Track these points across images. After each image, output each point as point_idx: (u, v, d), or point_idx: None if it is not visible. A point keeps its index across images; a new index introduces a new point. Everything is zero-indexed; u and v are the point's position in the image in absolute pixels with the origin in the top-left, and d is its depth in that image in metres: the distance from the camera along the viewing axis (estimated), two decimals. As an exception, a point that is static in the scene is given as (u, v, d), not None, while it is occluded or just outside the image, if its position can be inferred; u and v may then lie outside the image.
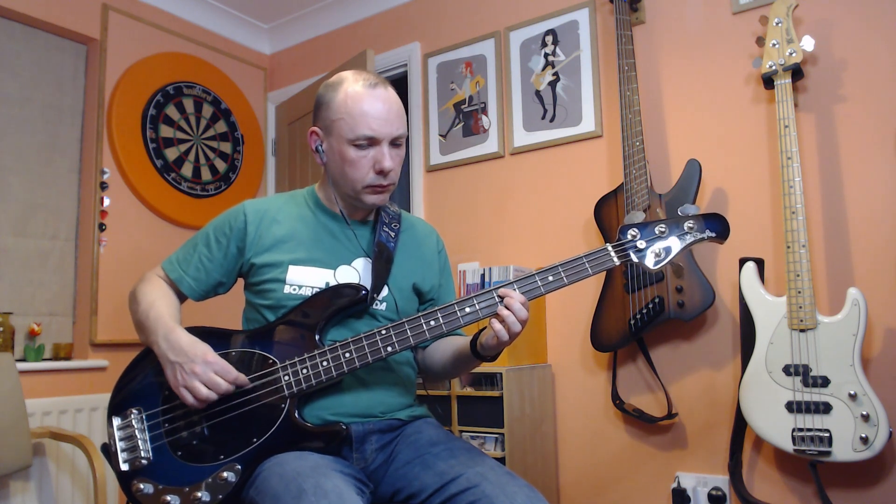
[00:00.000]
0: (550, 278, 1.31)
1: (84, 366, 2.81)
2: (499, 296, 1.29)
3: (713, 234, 1.31)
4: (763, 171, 2.32)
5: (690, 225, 1.32)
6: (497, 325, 1.28)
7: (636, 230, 1.32)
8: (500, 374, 2.34)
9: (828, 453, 1.89)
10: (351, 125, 1.37)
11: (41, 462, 2.51)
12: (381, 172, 1.39)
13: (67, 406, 2.63)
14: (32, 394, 2.56)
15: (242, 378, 1.31)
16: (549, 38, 2.81)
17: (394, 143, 1.41)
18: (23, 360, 2.68)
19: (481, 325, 1.42)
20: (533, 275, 1.31)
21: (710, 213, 1.34)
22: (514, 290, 1.30)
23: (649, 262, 1.31)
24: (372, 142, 1.38)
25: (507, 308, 1.27)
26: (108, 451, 1.35)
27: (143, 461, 1.32)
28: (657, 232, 1.32)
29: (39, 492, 2.49)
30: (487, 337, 1.34)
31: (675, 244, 1.31)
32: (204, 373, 1.29)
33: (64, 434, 2.42)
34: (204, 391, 1.28)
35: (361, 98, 1.37)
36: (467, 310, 1.31)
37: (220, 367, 1.30)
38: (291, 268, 1.41)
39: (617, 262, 1.31)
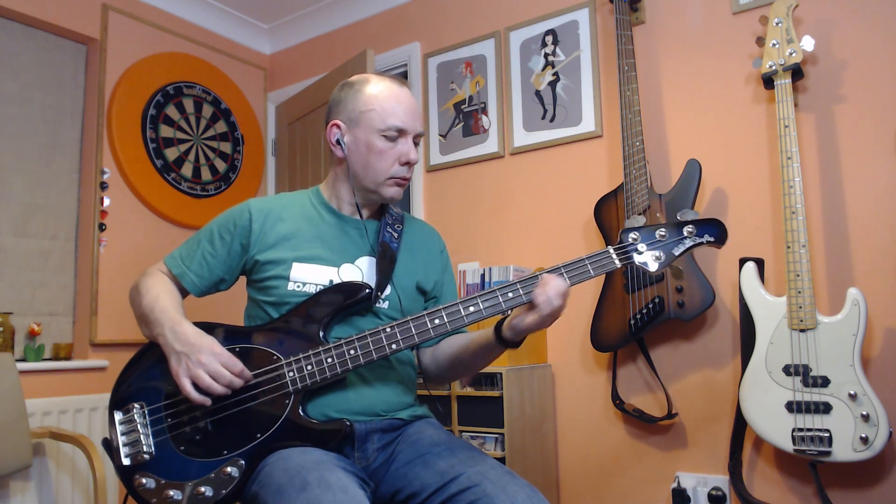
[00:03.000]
0: None
1: (84, 366, 2.81)
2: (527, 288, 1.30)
3: (711, 239, 1.34)
4: (763, 171, 2.32)
5: (690, 230, 1.34)
6: (541, 297, 1.27)
7: (637, 233, 1.35)
8: (500, 374, 2.34)
9: (828, 453, 1.90)
10: (382, 116, 1.42)
11: (41, 462, 2.51)
12: (408, 164, 1.45)
13: (67, 406, 2.63)
14: (32, 394, 2.56)
15: (247, 371, 1.32)
16: (549, 38, 2.81)
17: (415, 139, 1.47)
18: (23, 360, 2.67)
19: (482, 325, 1.42)
20: (535, 276, 1.31)
21: (708, 218, 1.37)
22: (518, 289, 1.30)
23: (650, 265, 1.33)
24: (400, 133, 1.43)
25: (545, 284, 1.27)
26: (110, 446, 1.35)
27: (145, 456, 1.31)
28: (657, 236, 1.34)
29: (39, 492, 2.49)
30: (520, 317, 1.31)
31: (674, 248, 1.34)
32: (210, 363, 1.29)
33: (64, 434, 2.42)
34: (209, 381, 1.28)
35: (392, 92, 1.45)
36: (471, 309, 1.32)
37: (225, 359, 1.30)
38: (295, 265, 1.42)
39: (619, 264, 1.33)
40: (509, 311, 1.34)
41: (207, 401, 1.30)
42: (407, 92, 1.47)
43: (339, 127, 1.47)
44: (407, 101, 1.45)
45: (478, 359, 1.48)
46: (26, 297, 2.77)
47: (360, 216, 1.50)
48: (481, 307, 1.31)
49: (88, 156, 2.99)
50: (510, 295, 1.31)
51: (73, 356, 2.86)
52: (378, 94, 1.44)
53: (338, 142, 1.47)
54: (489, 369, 2.33)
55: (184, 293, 1.50)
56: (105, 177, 2.97)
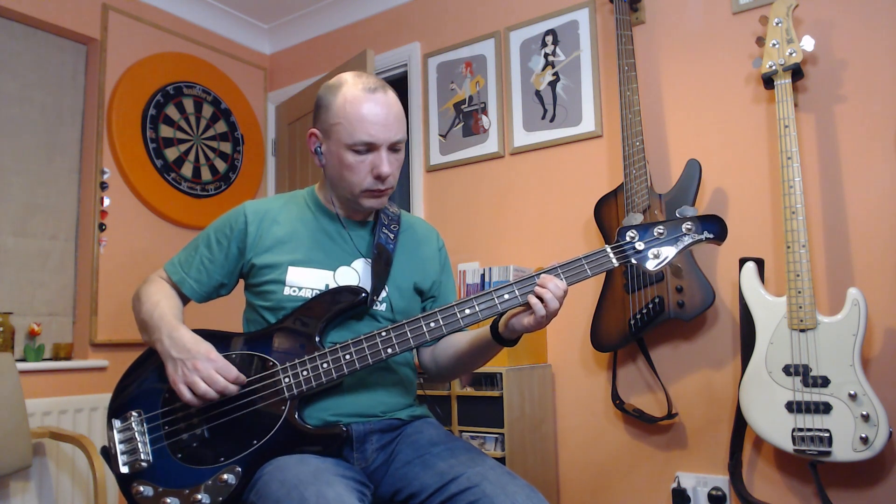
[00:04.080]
0: None
1: (84, 366, 2.80)
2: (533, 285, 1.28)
3: (711, 236, 1.31)
4: (763, 171, 2.32)
5: (689, 226, 1.32)
6: (534, 299, 1.26)
7: (635, 231, 1.32)
8: (500, 374, 2.34)
9: (828, 453, 1.90)
10: (349, 130, 1.36)
11: (41, 462, 2.51)
12: (379, 178, 1.39)
13: (67, 406, 2.63)
14: (32, 394, 2.57)
15: (242, 377, 1.32)
16: (549, 38, 2.81)
17: (392, 147, 1.40)
18: (23, 360, 2.68)
19: (482, 325, 1.42)
20: (532, 276, 1.30)
21: (708, 214, 1.34)
22: (514, 290, 1.30)
23: (648, 263, 1.31)
24: (370, 147, 1.37)
25: (542, 286, 1.26)
26: (108, 454, 1.35)
27: (143, 463, 1.32)
28: (656, 234, 1.32)
29: (39, 492, 2.49)
30: (518, 317, 1.30)
31: (673, 246, 1.31)
32: (206, 369, 1.29)
33: (64, 434, 2.42)
34: (203, 387, 1.28)
35: (360, 103, 1.36)
36: (467, 311, 1.31)
37: (221, 365, 1.30)
38: (291, 269, 1.42)
39: (616, 263, 1.31)
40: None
41: (202, 403, 1.30)
42: (380, 99, 1.37)
43: (316, 136, 1.44)
44: (378, 111, 1.36)
45: (477, 357, 1.47)
46: (26, 297, 2.77)
47: (346, 222, 1.49)
48: (477, 309, 1.31)
49: (88, 156, 2.99)
50: (506, 297, 1.30)
51: (73, 356, 2.86)
52: (345, 105, 1.36)
53: (316, 151, 1.45)
54: (489, 369, 2.33)
55: (185, 300, 1.50)
56: (105, 177, 2.97)
